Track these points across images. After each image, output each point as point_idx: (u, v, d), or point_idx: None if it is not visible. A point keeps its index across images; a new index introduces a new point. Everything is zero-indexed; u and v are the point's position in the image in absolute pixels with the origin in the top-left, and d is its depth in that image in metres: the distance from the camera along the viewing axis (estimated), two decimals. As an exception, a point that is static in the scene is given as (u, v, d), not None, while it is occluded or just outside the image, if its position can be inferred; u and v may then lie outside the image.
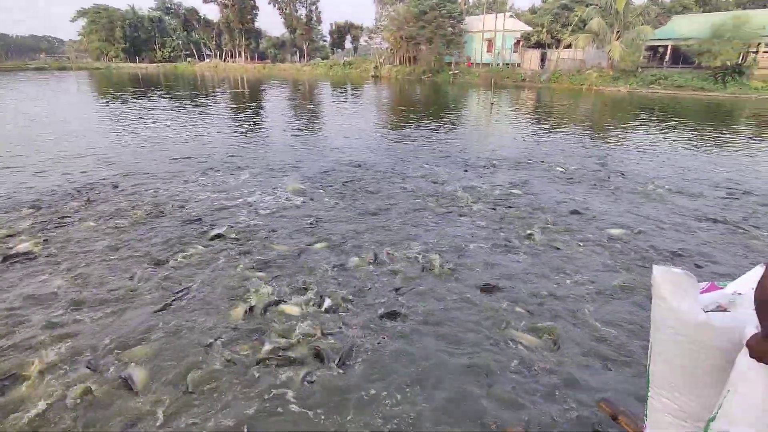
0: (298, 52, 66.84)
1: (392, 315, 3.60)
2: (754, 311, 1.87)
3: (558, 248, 4.98)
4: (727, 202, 6.72)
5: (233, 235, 5.14)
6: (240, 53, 66.10)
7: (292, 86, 31.41)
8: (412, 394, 2.80)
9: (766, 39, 27.96)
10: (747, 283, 1.95)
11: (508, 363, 3.10)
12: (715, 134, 13.17)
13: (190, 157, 9.08)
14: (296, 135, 12.07)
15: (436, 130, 13.17)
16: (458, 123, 15.24)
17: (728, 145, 11.59)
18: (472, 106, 21.93)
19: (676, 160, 9.68)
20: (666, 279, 1.90)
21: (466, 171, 8.38)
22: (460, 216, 5.95)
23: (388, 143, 11.08)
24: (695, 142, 11.91)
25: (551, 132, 13.34)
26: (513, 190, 7.15)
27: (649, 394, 2.04)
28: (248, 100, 21.69)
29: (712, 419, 1.68)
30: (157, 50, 70.26)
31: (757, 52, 29.19)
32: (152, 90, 26.09)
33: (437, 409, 2.69)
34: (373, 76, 42.06)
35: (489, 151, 10.21)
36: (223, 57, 67.47)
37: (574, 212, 6.12)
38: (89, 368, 2.93)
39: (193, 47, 69.78)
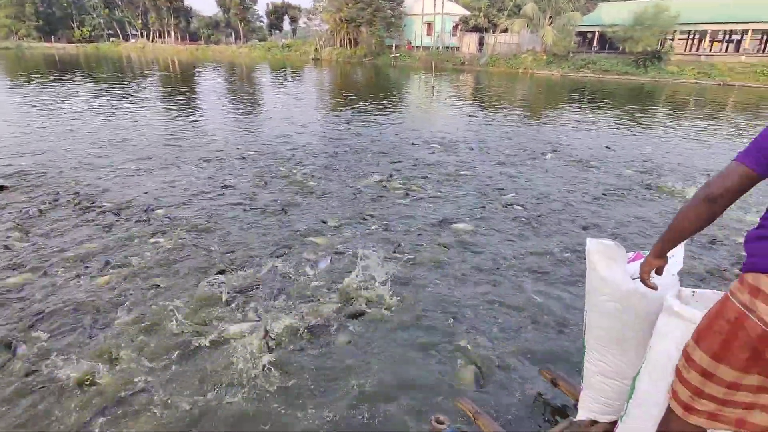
0: (233, 34, 63.90)
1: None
2: (674, 275, 2.06)
3: (491, 218, 5.24)
4: (643, 176, 7.34)
5: (177, 230, 4.90)
6: (169, 33, 62.21)
7: (228, 69, 30.08)
8: (357, 370, 2.83)
9: (682, 27, 30.21)
10: (667, 250, 2.13)
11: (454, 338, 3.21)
12: (637, 115, 14.15)
13: (120, 144, 8.50)
14: (234, 120, 11.60)
15: (379, 113, 13.15)
16: (401, 106, 15.31)
17: (648, 124, 12.51)
18: (414, 89, 22.09)
19: (603, 138, 10.33)
20: (598, 250, 2.03)
21: (412, 148, 8.48)
22: (410, 198, 6.02)
23: (332, 128, 10.93)
24: (620, 122, 12.75)
25: (491, 114, 13.76)
26: (460, 171, 7.34)
27: (585, 358, 2.20)
28: (181, 83, 20.54)
29: (637, 376, 1.83)
30: (76, 29, 64.60)
31: (673, 39, 31.49)
32: (72, 72, 24.04)
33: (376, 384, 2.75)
34: (313, 59, 41.13)
35: (432, 134, 10.36)
36: (151, 37, 63.23)
37: (507, 189, 6.40)
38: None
39: (116, 26, 64.79)
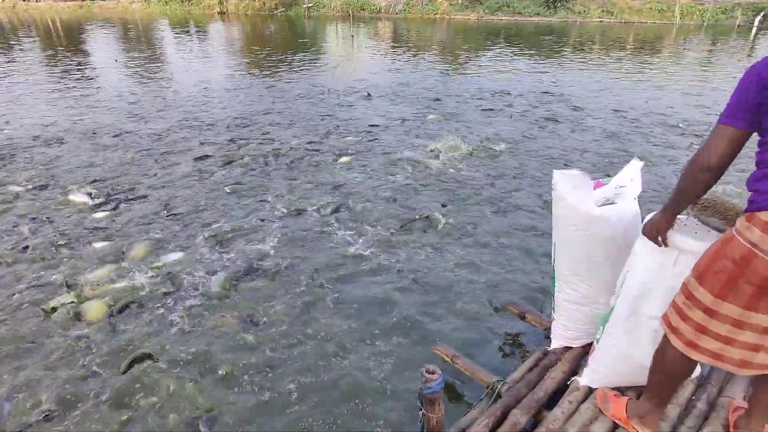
0: (121, -12, 56.76)
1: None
2: (635, 199, 2.12)
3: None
4: (556, 110, 7.79)
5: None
6: (44, -10, 54.00)
7: (121, 28, 26.90)
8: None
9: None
10: (625, 176, 2.16)
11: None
12: (549, 54, 14.65)
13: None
14: (136, 89, 10.18)
15: (299, 69, 12.47)
16: (321, 59, 14.60)
17: (560, 61, 13.01)
18: (332, 40, 21.16)
19: (519, 77, 10.60)
20: (564, 180, 2.02)
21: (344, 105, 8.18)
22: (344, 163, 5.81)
23: (249, 91, 10.07)
24: (531, 62, 13.16)
25: (412, 61, 13.55)
26: (374, 121, 7.24)
27: (555, 288, 2.23)
28: (66, 49, 18.01)
29: (616, 299, 1.87)
30: None
31: (577, -22, 32.47)
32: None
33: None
34: (219, 13, 37.87)
35: (355, 86, 10.03)
36: (21, -5, 54.59)
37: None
38: None
39: (-27, -17, 55.06)
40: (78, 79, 10.85)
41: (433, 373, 1.69)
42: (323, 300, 3.06)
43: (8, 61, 13.51)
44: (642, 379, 1.81)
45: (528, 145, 6.14)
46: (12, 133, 6.60)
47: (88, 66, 12.98)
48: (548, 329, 2.47)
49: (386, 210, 4.29)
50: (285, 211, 4.28)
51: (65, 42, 19.55)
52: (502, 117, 7.51)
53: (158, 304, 3.00)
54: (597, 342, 1.99)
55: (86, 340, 2.71)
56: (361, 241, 3.75)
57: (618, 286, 1.86)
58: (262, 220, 4.11)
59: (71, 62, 13.44)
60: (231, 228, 3.97)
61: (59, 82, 10.34)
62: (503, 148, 5.97)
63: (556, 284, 2.22)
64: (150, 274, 3.31)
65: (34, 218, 4.13)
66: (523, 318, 2.63)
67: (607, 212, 1.99)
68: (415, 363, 2.53)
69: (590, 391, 1.99)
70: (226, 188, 4.74)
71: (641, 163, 2.16)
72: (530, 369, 2.23)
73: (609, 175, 2.29)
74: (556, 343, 2.27)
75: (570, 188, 2.00)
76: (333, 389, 2.39)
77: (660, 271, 1.72)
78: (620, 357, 1.88)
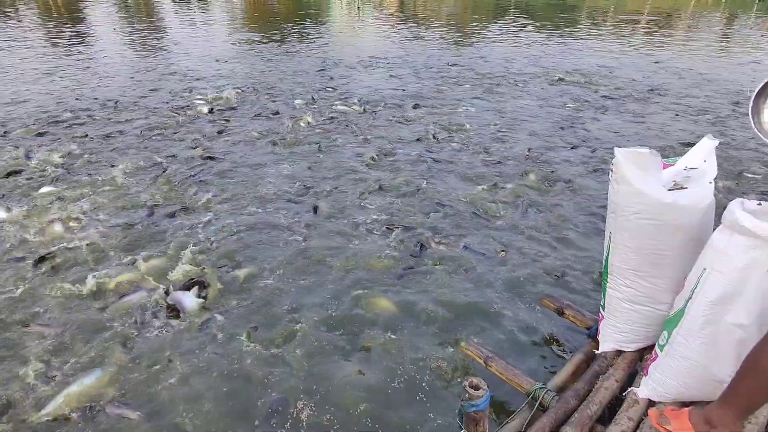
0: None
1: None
2: (711, 183, 1.81)
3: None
4: (576, 83, 7.49)
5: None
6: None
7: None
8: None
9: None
10: (696, 156, 1.85)
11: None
12: (559, 29, 14.05)
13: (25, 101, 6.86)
14: (141, 59, 9.74)
15: (304, 40, 11.95)
16: (326, 31, 14.04)
17: (570, 37, 12.45)
18: (337, 11, 20.44)
19: (525, 51, 10.10)
20: (629, 160, 1.71)
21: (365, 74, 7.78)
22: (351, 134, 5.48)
23: (254, 62, 9.62)
24: (541, 36, 12.60)
25: (418, 34, 13.01)
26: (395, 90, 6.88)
27: (608, 284, 1.94)
28: (67, 19, 17.34)
29: (690, 300, 1.59)
30: None
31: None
32: None
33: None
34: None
35: (362, 57, 9.60)
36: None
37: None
38: None
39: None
40: (76, 47, 10.39)
41: (477, 388, 1.42)
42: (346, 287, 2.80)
43: (2, 31, 13.00)
44: (713, 394, 1.56)
45: (537, 123, 5.79)
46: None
47: (87, 35, 12.47)
48: (590, 328, 2.21)
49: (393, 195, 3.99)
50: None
51: (64, 11, 18.85)
52: (514, 93, 7.13)
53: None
54: (660, 349, 1.71)
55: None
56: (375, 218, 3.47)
57: (689, 287, 1.58)
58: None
59: (70, 31, 12.91)
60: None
61: (58, 51, 9.90)
62: (517, 129, 5.64)
63: (608, 280, 1.93)
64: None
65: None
66: (561, 314, 2.35)
67: (681, 199, 1.69)
68: (441, 362, 2.27)
69: (650, 404, 1.73)
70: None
71: (716, 141, 1.84)
72: (574, 374, 1.97)
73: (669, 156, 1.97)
74: (606, 347, 2.00)
75: (636, 169, 1.70)
76: (345, 398, 2.13)
77: (750, 271, 1.42)
78: (692, 369, 1.60)
